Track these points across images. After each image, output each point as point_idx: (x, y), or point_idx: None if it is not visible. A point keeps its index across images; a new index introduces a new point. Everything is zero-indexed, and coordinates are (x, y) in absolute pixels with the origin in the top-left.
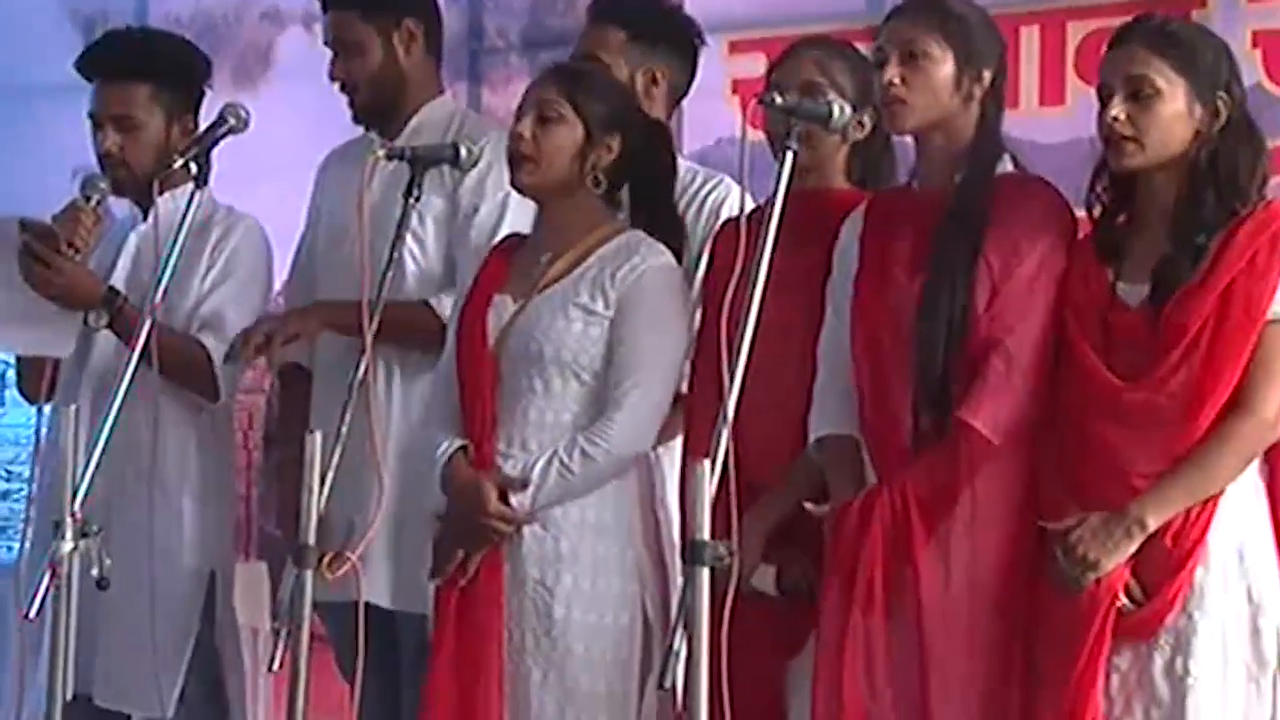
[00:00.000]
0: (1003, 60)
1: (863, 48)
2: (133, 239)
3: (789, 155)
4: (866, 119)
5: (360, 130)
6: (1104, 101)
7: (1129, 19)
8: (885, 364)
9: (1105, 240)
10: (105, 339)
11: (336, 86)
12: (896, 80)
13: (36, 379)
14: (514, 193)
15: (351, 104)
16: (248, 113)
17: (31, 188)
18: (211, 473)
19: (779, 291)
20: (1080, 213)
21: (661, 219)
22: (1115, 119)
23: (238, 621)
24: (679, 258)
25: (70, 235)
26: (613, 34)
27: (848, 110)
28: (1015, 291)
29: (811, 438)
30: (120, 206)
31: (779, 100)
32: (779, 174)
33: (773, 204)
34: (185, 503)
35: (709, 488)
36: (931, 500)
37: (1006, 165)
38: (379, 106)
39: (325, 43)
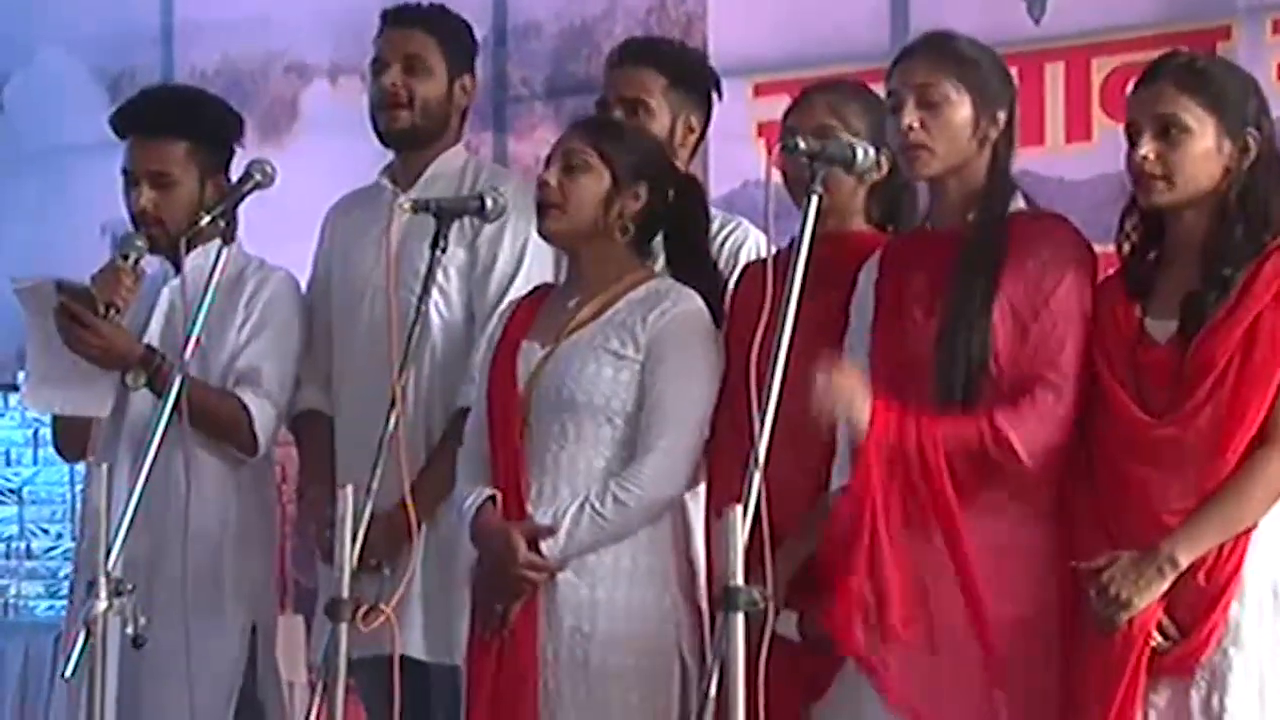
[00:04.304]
0: (1014, 100)
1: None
2: (165, 294)
3: (814, 199)
4: (884, 160)
5: (373, 176)
6: (1132, 140)
7: (1154, 54)
8: (906, 404)
9: (1135, 277)
10: (142, 397)
11: (375, 99)
12: (916, 125)
13: (78, 438)
14: (533, 241)
15: (391, 120)
16: (273, 168)
17: (61, 244)
18: (253, 524)
19: (798, 336)
20: (1107, 248)
21: (696, 268)
22: (1145, 157)
23: (281, 675)
24: (717, 306)
25: (109, 295)
26: (653, 78)
27: (871, 153)
28: (1048, 326)
29: (834, 486)
30: (150, 262)
31: (802, 145)
32: (803, 218)
33: (795, 248)
34: (226, 555)
35: (741, 533)
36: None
37: (1019, 203)
38: (416, 134)
39: (377, 58)
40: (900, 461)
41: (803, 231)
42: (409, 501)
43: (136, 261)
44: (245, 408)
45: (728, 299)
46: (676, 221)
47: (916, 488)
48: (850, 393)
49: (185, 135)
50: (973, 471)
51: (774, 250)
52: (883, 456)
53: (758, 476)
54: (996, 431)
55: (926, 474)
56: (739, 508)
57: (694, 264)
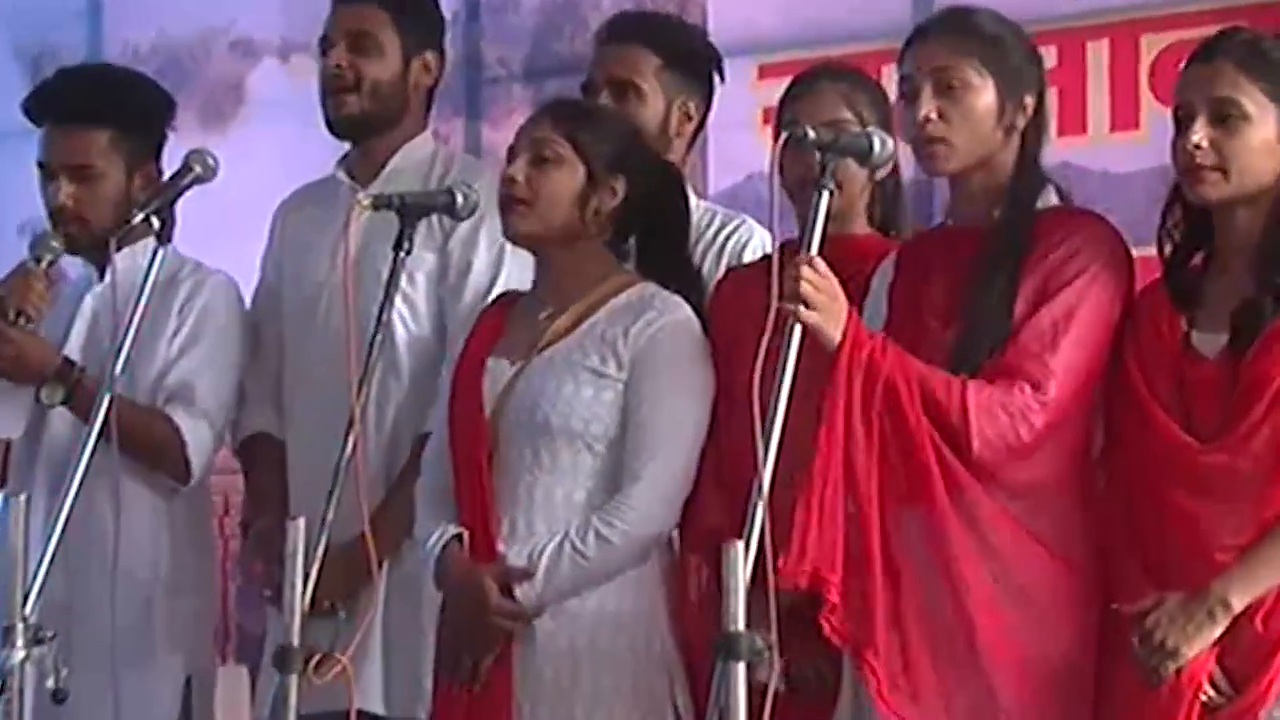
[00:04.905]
0: (1043, 83)
1: None
2: (89, 302)
3: (825, 196)
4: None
5: (329, 168)
6: (1181, 125)
7: (1211, 31)
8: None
9: (1178, 284)
10: (61, 417)
11: (320, 83)
12: (934, 116)
13: None
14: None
15: (336, 106)
16: (215, 160)
17: None
18: (186, 563)
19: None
20: (1149, 250)
21: (675, 272)
22: (1197, 146)
23: None
24: (700, 314)
25: (20, 301)
26: (646, 58)
27: (890, 143)
28: (1045, 320)
29: None
30: (73, 266)
31: (812, 134)
32: (811, 217)
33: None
34: (156, 597)
35: (743, 572)
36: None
37: (1050, 198)
38: (367, 120)
39: (324, 36)
40: (872, 391)
41: (810, 233)
42: (369, 535)
43: (51, 264)
44: (177, 429)
45: (708, 306)
46: (653, 217)
47: (885, 432)
48: (823, 294)
49: (108, 122)
50: (940, 435)
51: (759, 256)
52: (857, 379)
53: (761, 507)
54: (963, 397)
55: (895, 415)
56: (740, 544)
57: (672, 266)
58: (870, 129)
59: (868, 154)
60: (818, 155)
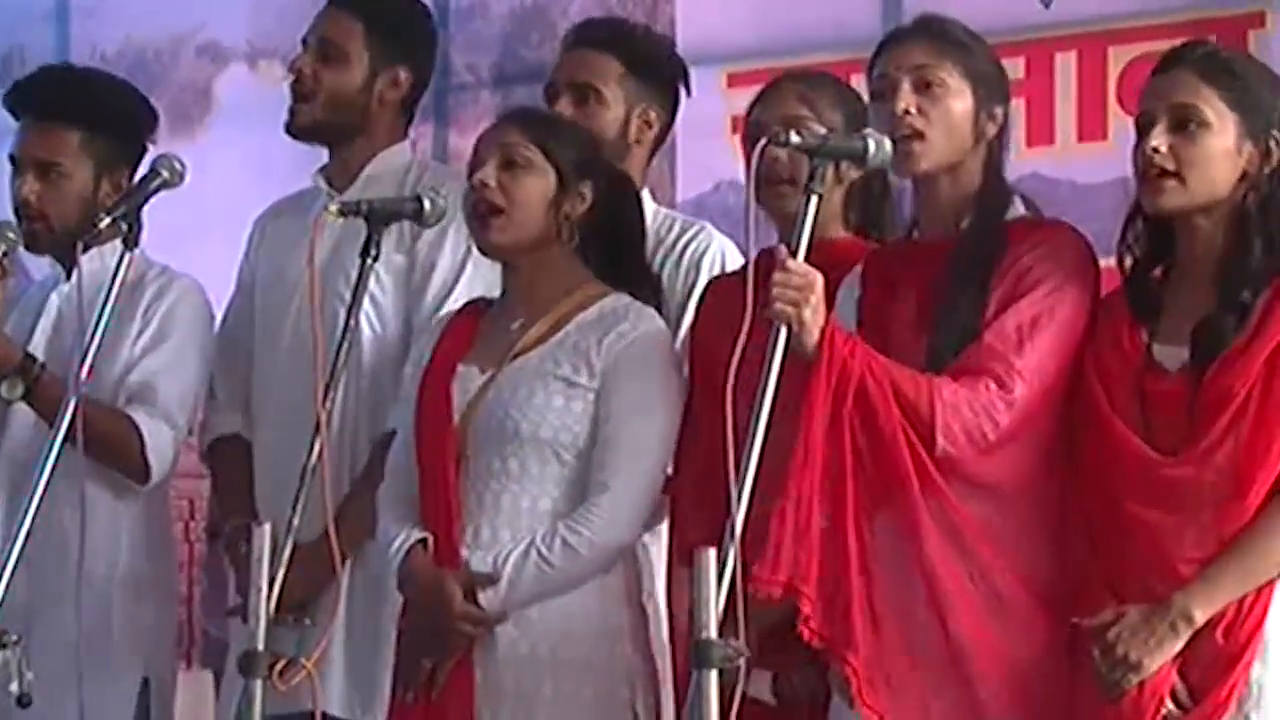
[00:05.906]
0: (1008, 96)
1: None
2: (54, 300)
3: (813, 201)
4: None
5: (297, 174)
6: (1142, 131)
7: (1177, 42)
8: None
9: (1139, 296)
10: (22, 414)
11: (287, 84)
12: (913, 110)
13: None
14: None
15: (292, 113)
16: (183, 165)
17: None
18: (146, 566)
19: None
20: (1111, 262)
21: (635, 280)
22: (1156, 150)
23: None
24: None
25: None
26: (608, 63)
27: (886, 144)
28: (1010, 324)
29: None
30: (40, 266)
31: (797, 139)
32: (799, 223)
33: (790, 256)
34: (115, 599)
35: (715, 580)
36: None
37: (1018, 208)
38: (319, 128)
39: (304, 37)
40: (845, 393)
41: (799, 236)
42: (333, 535)
43: (7, 255)
44: (137, 429)
45: (688, 317)
46: (612, 225)
47: (858, 434)
48: (802, 296)
49: (81, 123)
50: (915, 434)
51: (739, 264)
52: (832, 382)
53: (739, 519)
54: (931, 393)
55: (868, 414)
56: (712, 552)
57: (631, 275)
58: (866, 131)
59: (863, 155)
60: (807, 159)
